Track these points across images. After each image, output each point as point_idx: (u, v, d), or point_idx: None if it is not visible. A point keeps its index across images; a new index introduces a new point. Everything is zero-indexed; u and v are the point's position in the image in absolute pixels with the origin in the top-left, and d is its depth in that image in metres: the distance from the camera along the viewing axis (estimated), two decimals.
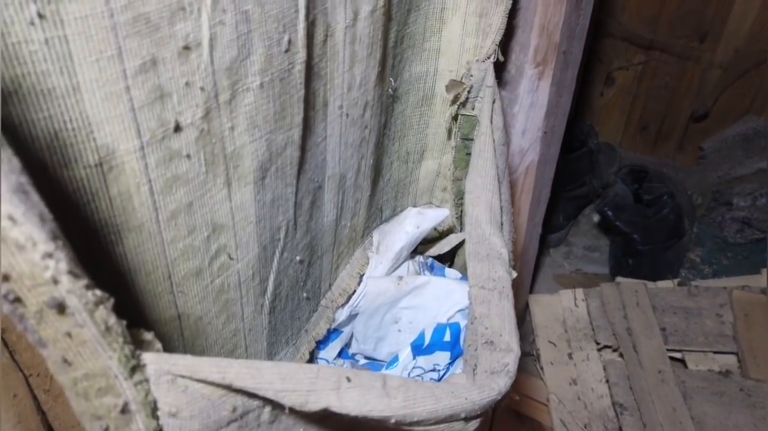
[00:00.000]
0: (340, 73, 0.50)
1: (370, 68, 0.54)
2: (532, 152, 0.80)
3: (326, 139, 0.53)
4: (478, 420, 0.49)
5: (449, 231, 0.74)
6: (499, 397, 0.46)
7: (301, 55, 0.43)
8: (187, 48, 0.34)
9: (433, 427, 0.43)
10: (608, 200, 1.23)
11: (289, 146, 0.47)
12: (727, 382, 0.92)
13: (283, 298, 0.58)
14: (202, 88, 0.37)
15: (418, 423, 0.42)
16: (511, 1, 0.58)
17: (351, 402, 0.38)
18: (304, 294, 0.62)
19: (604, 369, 0.97)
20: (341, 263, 0.67)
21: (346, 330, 0.69)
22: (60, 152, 0.31)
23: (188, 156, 0.38)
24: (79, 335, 0.26)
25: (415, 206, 0.74)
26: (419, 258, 0.73)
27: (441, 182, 0.73)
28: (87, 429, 0.31)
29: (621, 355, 0.98)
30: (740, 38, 1.41)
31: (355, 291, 0.67)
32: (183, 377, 0.32)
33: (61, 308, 0.25)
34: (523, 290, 1.09)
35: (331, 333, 0.68)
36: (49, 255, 0.23)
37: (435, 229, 0.72)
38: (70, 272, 0.24)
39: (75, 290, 0.25)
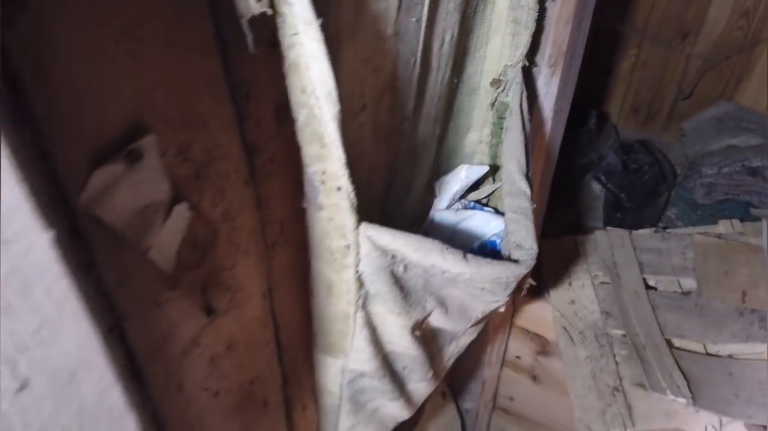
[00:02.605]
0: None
1: (448, 68, 0.81)
2: (546, 126, 1.08)
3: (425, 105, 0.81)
4: (512, 289, 0.77)
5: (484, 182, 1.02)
6: (527, 271, 0.74)
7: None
8: None
9: (488, 284, 0.72)
10: (602, 168, 1.50)
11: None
12: (686, 299, 1.20)
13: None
14: None
15: (481, 280, 0.71)
16: (534, 27, 0.86)
17: (447, 262, 0.67)
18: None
19: (596, 292, 1.26)
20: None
21: None
22: None
23: None
24: (340, 203, 0.55)
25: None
26: (465, 201, 1.01)
27: (481, 147, 1.01)
28: (322, 258, 0.60)
29: (608, 282, 1.27)
30: (713, 39, 1.67)
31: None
32: (371, 236, 0.60)
33: (339, 188, 0.53)
34: (538, 219, 1.37)
35: None
36: (343, 163, 0.52)
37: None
38: (347, 166, 0.52)
39: (347, 177, 0.53)
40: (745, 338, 1.11)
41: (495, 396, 1.58)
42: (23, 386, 0.28)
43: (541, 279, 1.34)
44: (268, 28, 0.45)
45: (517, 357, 1.43)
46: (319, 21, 0.42)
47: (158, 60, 0.45)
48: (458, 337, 0.89)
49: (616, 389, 1.10)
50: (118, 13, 0.40)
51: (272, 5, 0.41)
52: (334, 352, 0.70)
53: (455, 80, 0.87)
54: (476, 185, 1.03)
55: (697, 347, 1.13)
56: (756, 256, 1.25)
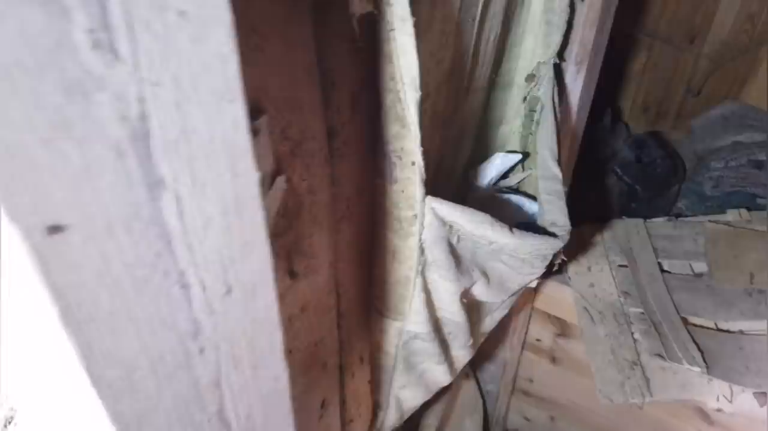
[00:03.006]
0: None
1: (489, 65, 0.90)
2: (571, 119, 1.17)
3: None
4: (548, 261, 0.86)
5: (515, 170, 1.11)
6: (563, 244, 0.83)
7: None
8: None
9: (528, 255, 0.80)
10: (618, 161, 1.59)
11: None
12: (698, 281, 1.29)
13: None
14: None
15: (523, 251, 0.79)
16: (564, 29, 0.94)
17: (496, 233, 0.75)
18: None
19: (614, 275, 1.34)
20: None
21: None
22: None
23: None
24: (412, 177, 0.63)
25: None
26: (498, 186, 1.10)
27: (513, 138, 1.10)
28: (390, 227, 0.69)
29: (626, 266, 1.35)
30: (720, 41, 1.76)
31: None
32: (435, 208, 0.69)
33: (413, 163, 0.62)
34: None
35: None
36: (418, 141, 0.60)
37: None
38: (421, 144, 0.61)
39: (420, 153, 0.62)
40: (753, 316, 1.20)
41: (515, 377, 1.66)
42: (228, 292, 0.36)
43: (562, 264, 1.43)
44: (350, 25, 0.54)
45: (537, 340, 1.51)
46: (413, 19, 0.50)
47: (275, 53, 0.54)
48: (493, 311, 0.98)
49: (634, 363, 1.18)
50: (251, 13, 0.49)
51: (375, 5, 0.50)
52: (394, 314, 0.79)
53: (493, 76, 0.96)
54: (506, 175, 1.11)
55: (709, 324, 1.22)
56: (763, 241, 1.33)
